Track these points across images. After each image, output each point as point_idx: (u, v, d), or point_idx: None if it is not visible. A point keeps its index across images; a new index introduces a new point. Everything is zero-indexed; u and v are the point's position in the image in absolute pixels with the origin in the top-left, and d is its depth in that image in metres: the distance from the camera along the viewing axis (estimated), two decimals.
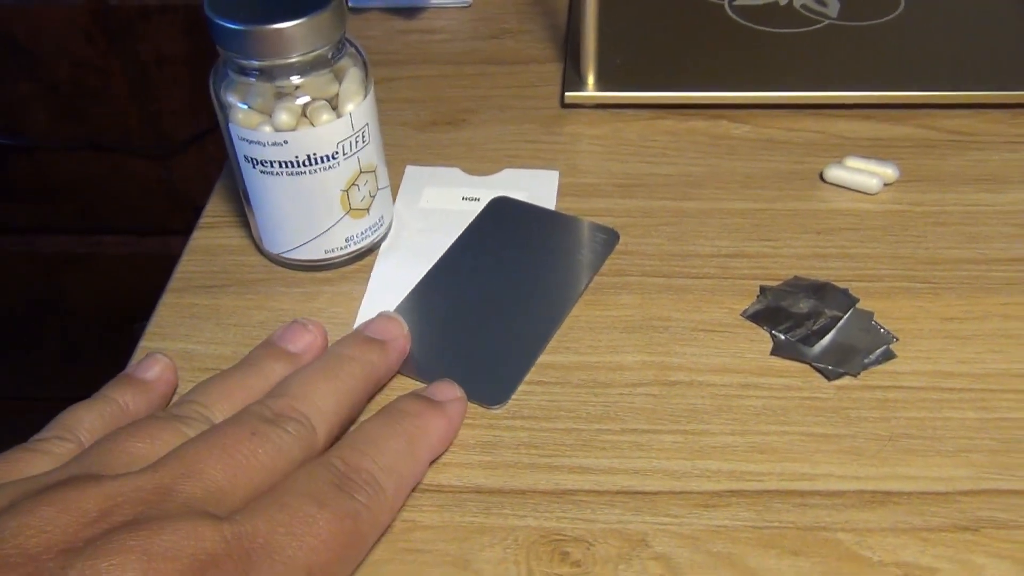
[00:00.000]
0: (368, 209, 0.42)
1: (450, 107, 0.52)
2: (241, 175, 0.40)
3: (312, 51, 0.37)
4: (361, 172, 0.40)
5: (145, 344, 0.40)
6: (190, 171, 0.91)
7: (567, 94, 0.51)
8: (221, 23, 0.36)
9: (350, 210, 0.41)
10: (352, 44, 0.40)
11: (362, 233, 0.42)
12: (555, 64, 0.55)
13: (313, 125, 0.38)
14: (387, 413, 0.32)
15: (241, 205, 0.43)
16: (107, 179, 0.92)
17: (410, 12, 0.60)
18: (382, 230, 0.43)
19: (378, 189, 0.42)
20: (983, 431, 0.35)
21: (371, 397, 0.35)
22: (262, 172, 0.39)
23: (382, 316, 0.36)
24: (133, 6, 0.79)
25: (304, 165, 0.38)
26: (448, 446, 0.34)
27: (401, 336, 0.36)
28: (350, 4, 0.60)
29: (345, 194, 0.40)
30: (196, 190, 0.93)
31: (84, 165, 0.91)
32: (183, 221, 0.96)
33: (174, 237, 0.97)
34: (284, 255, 0.42)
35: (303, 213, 0.40)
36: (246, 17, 0.36)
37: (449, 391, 0.35)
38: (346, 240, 0.42)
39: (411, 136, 0.50)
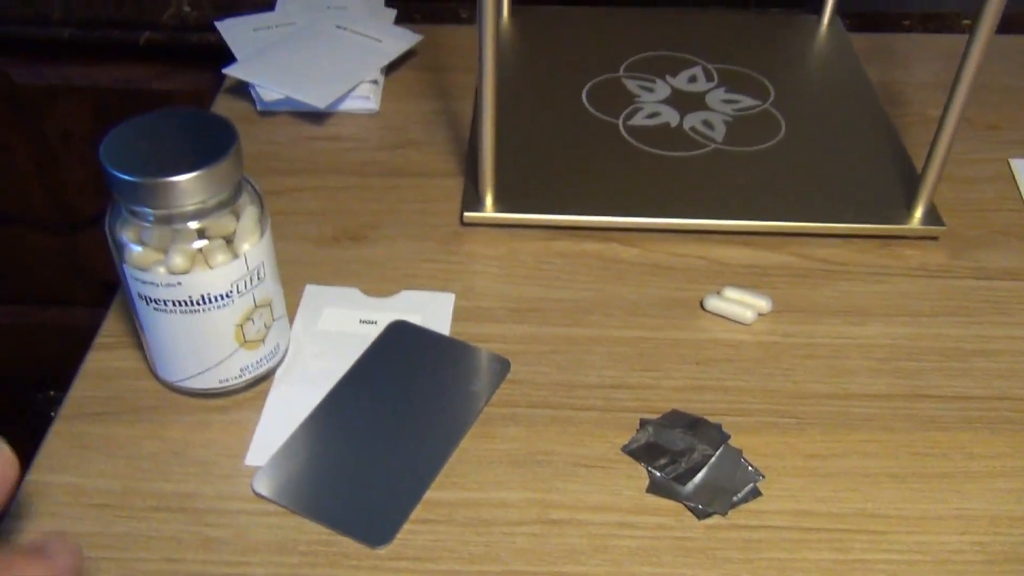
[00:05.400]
0: (263, 340, 0.43)
1: (353, 221, 0.54)
2: (135, 309, 0.41)
3: (210, 198, 0.38)
4: (256, 307, 0.41)
5: (33, 477, 0.40)
6: (95, 244, 0.90)
7: (466, 214, 0.53)
8: (116, 175, 0.36)
9: (244, 343, 0.42)
10: (248, 182, 0.41)
11: (257, 362, 0.43)
12: (457, 178, 0.57)
13: (209, 266, 0.39)
14: None
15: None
16: (8, 250, 0.91)
17: (318, 117, 0.61)
18: (277, 357, 0.44)
19: (274, 320, 0.43)
20: (838, 574, 0.37)
21: None
22: (155, 310, 0.40)
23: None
24: (39, 85, 0.78)
25: (198, 304, 0.39)
26: None
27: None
28: (258, 108, 0.61)
29: (239, 328, 0.41)
30: (102, 262, 0.92)
31: None
32: (87, 292, 0.94)
33: (77, 307, 0.96)
34: (178, 383, 0.43)
35: (197, 347, 0.41)
36: (142, 167, 0.37)
37: (62, 545, 0.30)
38: (240, 370, 0.43)
39: (312, 252, 0.51)
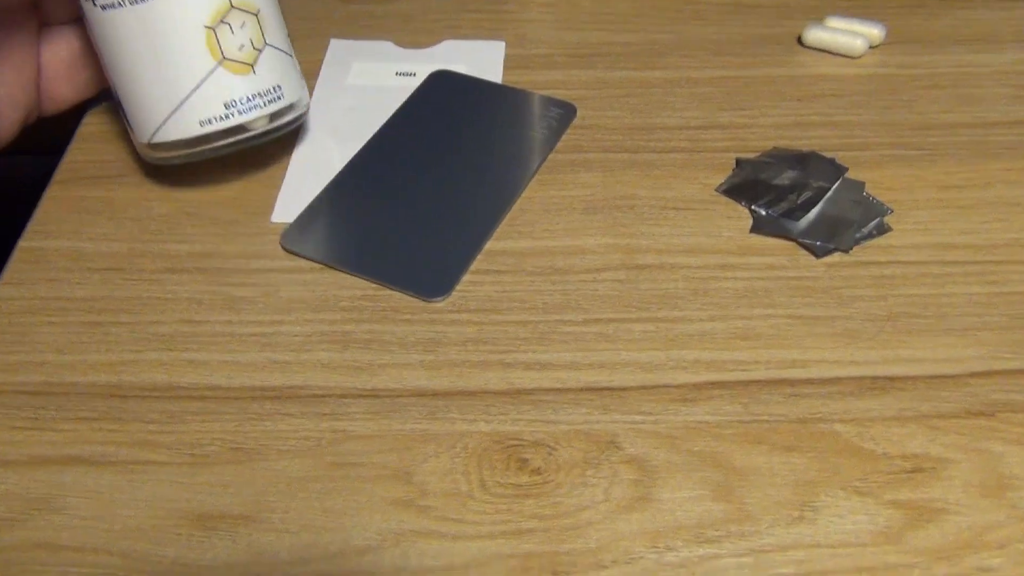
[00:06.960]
0: (253, 66, 0.34)
1: None
2: (92, 29, 0.33)
3: None
4: (232, 7, 0.33)
5: (25, 243, 0.34)
6: None
7: None
8: None
9: (223, 60, 0.33)
10: None
11: (248, 99, 0.34)
12: None
13: None
14: None
15: None
16: None
17: None
18: (280, 104, 0.35)
19: (265, 43, 0.34)
20: (992, 307, 0.31)
21: None
22: (103, 8, 0.32)
23: None
24: None
25: None
26: None
27: None
28: None
29: (211, 33, 0.33)
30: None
31: None
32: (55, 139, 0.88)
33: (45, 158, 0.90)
34: (155, 140, 0.34)
35: (160, 62, 0.32)
36: None
37: None
38: (226, 106, 0.34)
39: (336, 8, 0.44)
